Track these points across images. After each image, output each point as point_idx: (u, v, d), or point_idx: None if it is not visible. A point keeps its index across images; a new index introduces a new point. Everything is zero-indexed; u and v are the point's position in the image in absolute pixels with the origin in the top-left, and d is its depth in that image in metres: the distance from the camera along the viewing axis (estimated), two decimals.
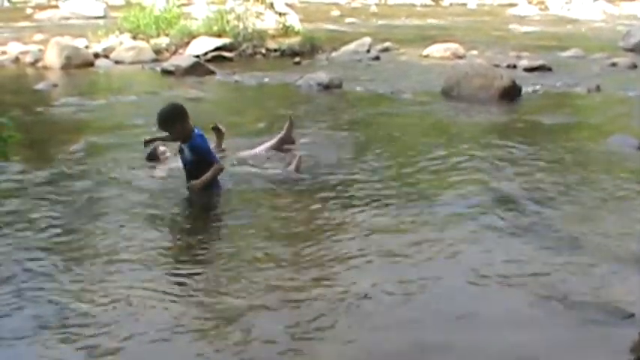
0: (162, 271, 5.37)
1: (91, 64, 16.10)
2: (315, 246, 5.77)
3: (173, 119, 6.95)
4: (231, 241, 5.96)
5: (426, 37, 20.54)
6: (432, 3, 40.50)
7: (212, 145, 8.03)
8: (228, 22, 18.26)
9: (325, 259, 5.52)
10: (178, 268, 5.40)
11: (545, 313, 4.71)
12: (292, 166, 7.62)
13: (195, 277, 5.21)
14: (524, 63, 16.22)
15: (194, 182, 6.85)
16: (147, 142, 7.67)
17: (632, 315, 4.61)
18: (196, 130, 7.03)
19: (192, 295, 4.92)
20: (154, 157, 7.86)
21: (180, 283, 5.11)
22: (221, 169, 7.03)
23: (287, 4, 21.66)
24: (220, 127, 8.45)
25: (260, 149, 8.27)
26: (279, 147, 8.41)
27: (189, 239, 6.00)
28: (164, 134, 7.32)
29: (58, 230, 6.07)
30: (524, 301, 4.86)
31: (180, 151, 7.09)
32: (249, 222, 6.39)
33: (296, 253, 5.62)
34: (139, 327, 4.49)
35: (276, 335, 4.41)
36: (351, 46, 18.67)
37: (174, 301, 4.83)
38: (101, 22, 22.05)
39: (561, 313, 4.70)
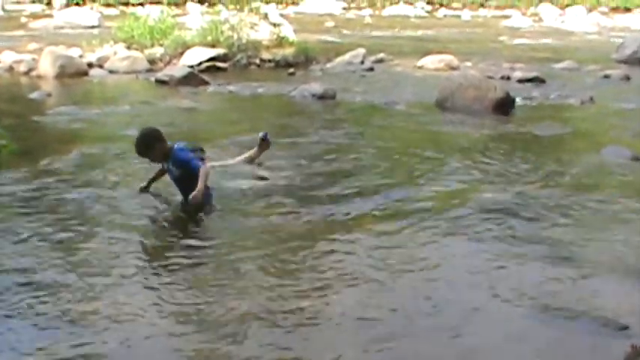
0: (152, 281, 5.35)
1: (85, 74, 16.08)
2: (306, 257, 5.77)
3: (151, 143, 6.98)
4: (222, 251, 5.92)
5: (420, 49, 20.60)
6: (426, 14, 40.70)
7: (252, 151, 8.30)
8: (222, 32, 18.26)
9: (316, 270, 5.51)
10: (168, 278, 5.36)
11: (538, 325, 4.70)
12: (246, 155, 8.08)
13: (187, 286, 5.19)
14: (517, 74, 16.29)
15: (193, 195, 6.79)
16: (143, 189, 7.33)
17: (625, 327, 4.61)
18: (175, 145, 7.05)
19: (184, 305, 4.90)
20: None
21: (170, 294, 5.08)
22: (207, 171, 6.98)
23: (281, 15, 21.71)
24: (269, 139, 8.44)
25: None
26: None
27: (181, 249, 5.95)
28: (154, 175, 7.33)
29: (50, 242, 6.05)
30: (517, 313, 4.86)
31: (167, 170, 7.09)
32: (241, 231, 6.38)
33: (286, 264, 5.60)
34: (129, 336, 4.49)
35: (265, 345, 4.41)
36: (346, 57, 18.72)
37: (164, 310, 4.82)
38: (95, 31, 22.11)
39: (554, 324, 4.70)
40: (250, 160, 8.28)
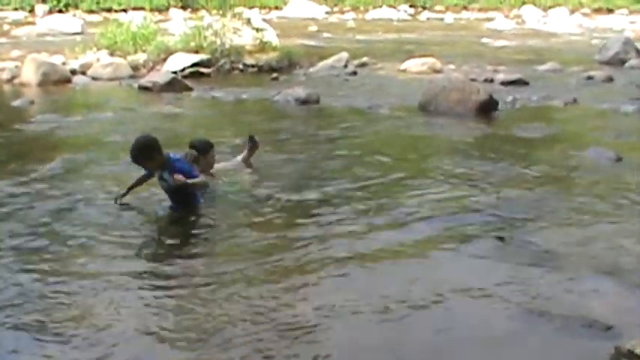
0: (137, 289, 5.32)
1: (68, 81, 16.04)
2: (292, 264, 5.75)
3: (152, 154, 6.80)
4: (207, 258, 5.91)
5: (404, 52, 20.67)
6: (410, 17, 40.80)
7: (244, 153, 8.39)
8: (205, 37, 18.28)
9: (304, 278, 5.47)
10: (153, 287, 5.34)
11: (524, 327, 4.70)
12: (241, 156, 8.30)
13: (172, 293, 5.17)
14: (501, 77, 16.34)
15: (181, 177, 6.70)
16: (122, 197, 7.16)
17: (610, 328, 4.62)
18: (172, 155, 6.96)
19: (169, 313, 4.89)
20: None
21: (155, 302, 5.06)
22: (207, 185, 7.07)
23: (264, 20, 21.70)
24: (256, 138, 8.46)
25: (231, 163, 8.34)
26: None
27: (165, 257, 5.94)
28: (135, 181, 7.24)
29: (32, 250, 6.00)
30: (503, 316, 4.86)
31: (160, 178, 7.00)
32: (225, 238, 6.37)
33: (271, 271, 5.58)
34: (114, 345, 4.46)
35: (250, 352, 4.39)
36: (329, 62, 18.75)
37: (148, 319, 4.80)
38: (78, 38, 22.00)
39: (540, 326, 4.70)
40: (244, 162, 8.32)
